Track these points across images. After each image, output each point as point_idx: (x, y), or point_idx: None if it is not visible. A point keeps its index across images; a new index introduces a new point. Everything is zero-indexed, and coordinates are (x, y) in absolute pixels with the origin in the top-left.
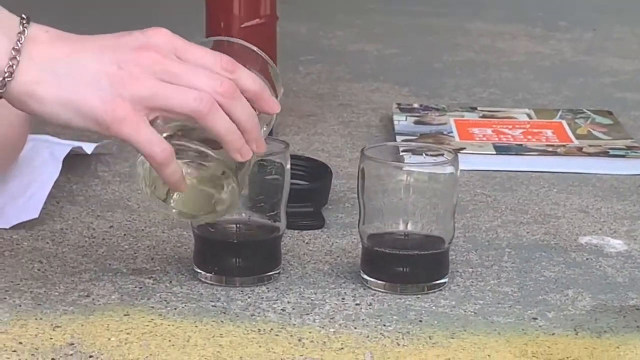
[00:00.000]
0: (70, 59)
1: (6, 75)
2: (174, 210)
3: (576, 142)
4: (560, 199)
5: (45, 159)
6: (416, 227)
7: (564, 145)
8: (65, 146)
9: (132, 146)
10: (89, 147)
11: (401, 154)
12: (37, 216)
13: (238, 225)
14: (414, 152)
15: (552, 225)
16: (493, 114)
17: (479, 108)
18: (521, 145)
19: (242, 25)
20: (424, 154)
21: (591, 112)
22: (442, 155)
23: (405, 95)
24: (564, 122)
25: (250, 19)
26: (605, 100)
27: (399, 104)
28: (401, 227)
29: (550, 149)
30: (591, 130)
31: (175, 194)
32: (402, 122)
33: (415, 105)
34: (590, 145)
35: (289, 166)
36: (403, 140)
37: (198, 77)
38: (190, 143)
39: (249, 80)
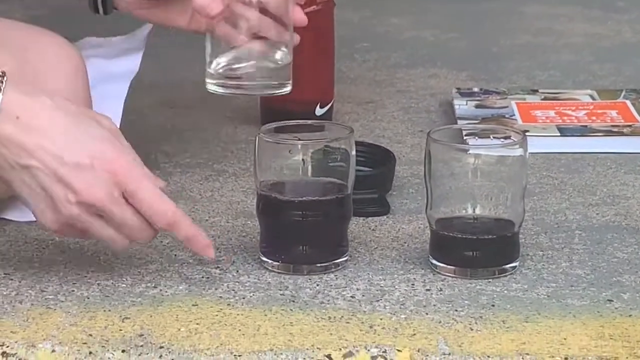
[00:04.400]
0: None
1: None
2: None
3: None
4: (629, 179)
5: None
6: (485, 211)
7: (629, 125)
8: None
9: None
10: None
11: (465, 137)
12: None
13: (304, 212)
14: (479, 135)
15: (622, 206)
16: (555, 96)
17: (540, 90)
18: (586, 126)
19: None
20: (490, 137)
21: None
22: (510, 137)
23: (464, 80)
24: (628, 102)
25: (308, 5)
26: None
27: (458, 89)
28: (470, 211)
29: (615, 129)
30: None
31: None
32: (462, 106)
33: (475, 89)
34: None
35: (354, 152)
36: (466, 124)
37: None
38: None
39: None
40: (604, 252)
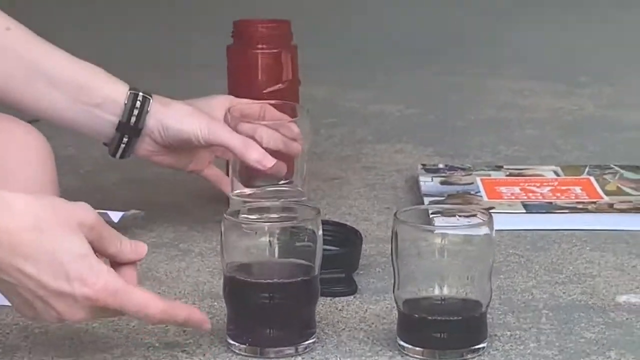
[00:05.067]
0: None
1: None
2: None
3: (606, 199)
4: (594, 257)
5: None
6: (452, 291)
7: (594, 202)
8: None
9: None
10: (115, 216)
11: (431, 216)
12: None
13: (271, 295)
14: (444, 214)
15: (589, 285)
16: (520, 172)
17: (505, 166)
18: (551, 203)
19: (265, 91)
20: (457, 215)
21: (619, 168)
22: (476, 215)
23: (430, 155)
24: (592, 179)
25: (272, 84)
26: (632, 155)
27: (423, 165)
28: (437, 292)
29: (580, 206)
30: (621, 187)
31: None
32: (428, 183)
33: (441, 166)
34: (621, 202)
35: (320, 232)
36: (431, 202)
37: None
38: None
39: None
40: (571, 332)
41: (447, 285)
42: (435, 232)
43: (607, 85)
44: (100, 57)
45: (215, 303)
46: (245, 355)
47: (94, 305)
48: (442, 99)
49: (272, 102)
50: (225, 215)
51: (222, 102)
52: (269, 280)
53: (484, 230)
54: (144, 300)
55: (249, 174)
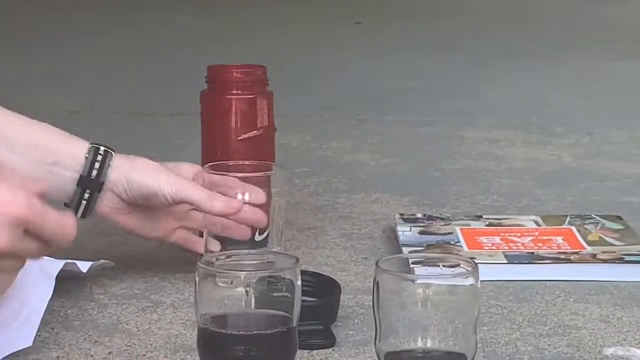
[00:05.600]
0: None
1: None
2: None
3: (589, 249)
4: (579, 308)
5: (36, 277)
6: (435, 343)
7: (576, 253)
8: (57, 262)
9: None
10: (84, 266)
11: (412, 266)
12: (30, 344)
13: (247, 347)
14: (427, 263)
15: (574, 337)
16: (500, 222)
17: (484, 216)
18: (532, 253)
19: (239, 138)
20: (440, 265)
21: (600, 217)
22: (459, 265)
23: (407, 205)
24: (573, 229)
25: (247, 130)
26: (611, 204)
27: (401, 214)
28: (420, 344)
29: (563, 256)
30: (603, 237)
31: None
32: (406, 232)
33: (419, 215)
34: (604, 252)
35: (299, 282)
36: (410, 252)
37: None
38: None
39: None
40: None
41: (431, 337)
42: (418, 282)
43: (583, 135)
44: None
45: (189, 356)
46: None
47: (13, 225)
48: (417, 149)
49: (247, 162)
50: (199, 263)
51: (189, 168)
52: (246, 332)
53: (470, 280)
54: (59, 217)
55: (224, 234)
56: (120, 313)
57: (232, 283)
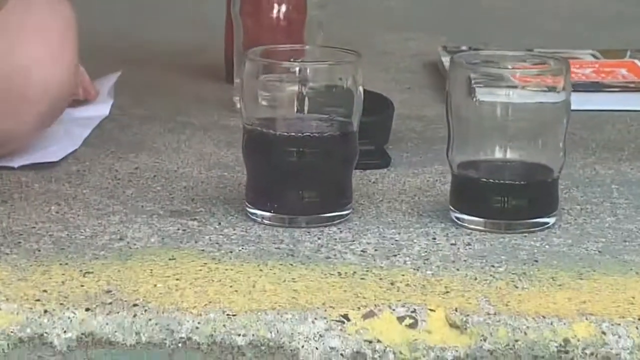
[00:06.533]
0: None
1: None
2: None
3: None
4: None
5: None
6: (516, 154)
7: None
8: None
9: None
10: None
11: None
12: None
13: (301, 150)
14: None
15: None
16: (554, 55)
17: (536, 50)
18: (597, 82)
19: None
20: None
21: None
22: (548, 64)
23: (444, 44)
24: (637, 62)
25: None
26: None
27: (444, 46)
28: (498, 155)
29: (632, 85)
30: None
31: None
32: None
33: (464, 47)
34: None
35: (361, 79)
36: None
37: None
38: None
39: None
40: None
41: (511, 147)
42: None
43: None
44: None
45: (226, 173)
46: (270, 225)
47: None
48: None
49: None
50: (248, 55)
51: None
52: (298, 134)
53: (559, 83)
54: None
55: None
56: (145, 132)
57: (284, 79)
